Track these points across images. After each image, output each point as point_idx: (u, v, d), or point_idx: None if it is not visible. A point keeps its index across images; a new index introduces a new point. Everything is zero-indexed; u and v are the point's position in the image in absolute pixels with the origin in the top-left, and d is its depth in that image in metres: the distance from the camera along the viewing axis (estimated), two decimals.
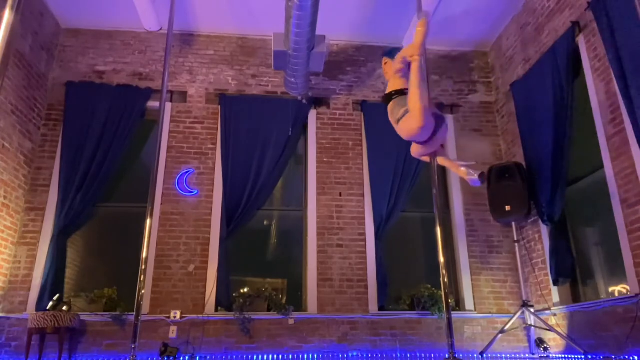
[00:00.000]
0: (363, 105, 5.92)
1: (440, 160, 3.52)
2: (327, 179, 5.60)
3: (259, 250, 5.61)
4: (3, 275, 4.78)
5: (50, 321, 4.31)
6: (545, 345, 4.80)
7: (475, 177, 3.31)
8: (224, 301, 4.98)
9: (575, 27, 4.53)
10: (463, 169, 3.40)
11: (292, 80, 5.46)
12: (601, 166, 4.24)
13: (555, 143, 4.67)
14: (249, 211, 5.37)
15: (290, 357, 4.77)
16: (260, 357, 4.71)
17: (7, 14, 1.96)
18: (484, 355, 4.67)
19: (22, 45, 5.01)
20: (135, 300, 3.42)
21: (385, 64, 3.62)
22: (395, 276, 5.37)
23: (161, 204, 5.26)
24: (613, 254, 4.18)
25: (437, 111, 3.42)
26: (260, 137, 5.55)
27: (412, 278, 5.43)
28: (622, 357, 3.69)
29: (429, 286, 5.18)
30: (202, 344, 4.75)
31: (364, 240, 5.39)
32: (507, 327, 4.77)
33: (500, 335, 4.75)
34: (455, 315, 4.83)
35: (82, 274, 5.23)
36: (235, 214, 5.27)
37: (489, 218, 5.51)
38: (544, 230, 4.96)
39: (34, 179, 5.22)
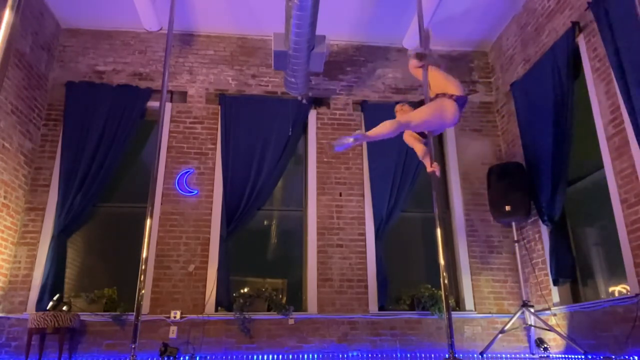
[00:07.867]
0: (363, 105, 5.92)
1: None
2: (327, 179, 5.60)
3: (259, 250, 5.61)
4: (3, 275, 4.78)
5: (50, 321, 4.31)
6: (545, 345, 4.80)
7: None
8: (224, 301, 4.98)
9: (575, 27, 4.53)
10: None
11: (292, 80, 5.46)
12: (601, 166, 4.24)
13: (555, 143, 4.67)
14: (249, 211, 5.37)
15: (290, 357, 4.77)
16: (260, 357, 4.71)
17: (7, 14, 1.96)
18: (484, 355, 4.67)
19: (22, 45, 5.01)
20: (135, 300, 3.43)
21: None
22: (395, 276, 5.38)
23: (161, 204, 5.26)
24: (613, 254, 4.18)
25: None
26: (260, 137, 5.55)
27: (412, 278, 5.44)
28: (622, 357, 3.69)
29: (429, 286, 5.18)
30: (202, 344, 4.75)
31: (364, 240, 5.39)
32: (507, 327, 4.76)
33: (500, 335, 4.75)
34: (455, 315, 4.83)
35: (82, 274, 5.23)
36: (235, 214, 5.27)
37: (489, 218, 5.51)
38: (544, 230, 4.96)
39: (34, 179, 5.22)
